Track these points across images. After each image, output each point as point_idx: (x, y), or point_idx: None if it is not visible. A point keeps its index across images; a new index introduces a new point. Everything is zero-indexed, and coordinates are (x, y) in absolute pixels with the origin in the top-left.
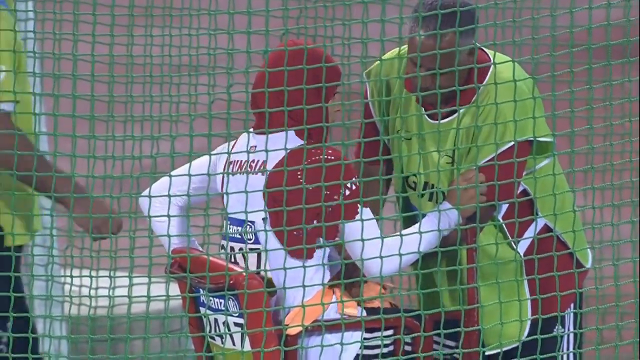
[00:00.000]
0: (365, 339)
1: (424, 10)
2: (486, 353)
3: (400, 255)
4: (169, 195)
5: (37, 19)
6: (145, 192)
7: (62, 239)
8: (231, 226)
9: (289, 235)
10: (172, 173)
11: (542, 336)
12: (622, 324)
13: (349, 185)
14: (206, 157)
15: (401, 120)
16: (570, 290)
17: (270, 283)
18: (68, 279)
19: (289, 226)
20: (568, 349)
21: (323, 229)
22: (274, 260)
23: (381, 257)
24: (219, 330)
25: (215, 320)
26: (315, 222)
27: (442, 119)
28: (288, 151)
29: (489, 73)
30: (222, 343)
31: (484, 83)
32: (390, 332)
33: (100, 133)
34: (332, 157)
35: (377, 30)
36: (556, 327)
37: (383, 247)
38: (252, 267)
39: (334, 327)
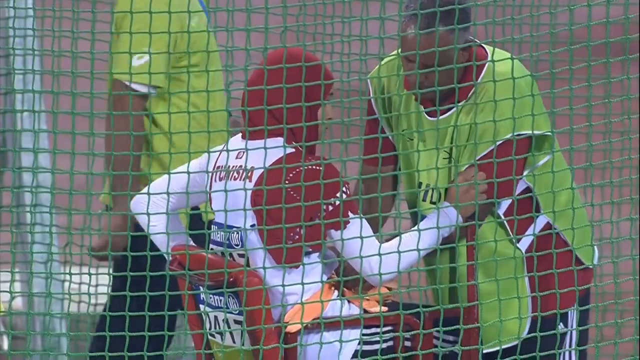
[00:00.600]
0: (364, 335)
1: (414, 5)
2: (485, 351)
3: (399, 253)
4: (168, 194)
5: (37, 16)
6: (143, 191)
7: (61, 236)
8: (219, 231)
9: (275, 242)
10: (155, 183)
11: (541, 334)
12: (621, 321)
13: (338, 195)
14: (195, 161)
15: (406, 120)
16: (569, 288)
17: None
18: (67, 276)
19: (277, 234)
20: (570, 347)
21: (322, 236)
22: (264, 262)
23: (379, 258)
24: (219, 328)
25: (215, 317)
26: (300, 230)
27: (440, 115)
28: (276, 159)
29: (485, 68)
30: (222, 340)
31: (480, 78)
32: (389, 329)
33: (99, 130)
34: (321, 167)
35: (376, 28)
36: (559, 325)
37: (380, 254)
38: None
39: (333, 324)
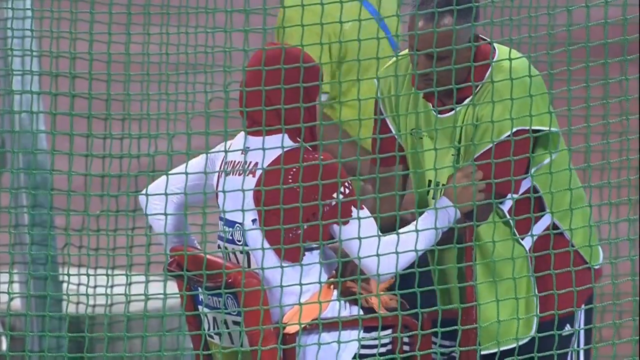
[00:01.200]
0: (363, 337)
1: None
2: (483, 352)
3: (397, 253)
4: (166, 194)
5: (35, 17)
6: (145, 191)
7: (60, 237)
8: (224, 226)
9: (278, 238)
10: (171, 171)
11: (548, 334)
12: (620, 322)
13: (342, 189)
14: (203, 156)
15: (415, 119)
16: (568, 289)
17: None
18: (66, 277)
19: (278, 230)
20: (578, 347)
21: (320, 230)
22: (262, 262)
23: (378, 255)
24: (217, 329)
25: (214, 318)
26: (305, 225)
27: (448, 112)
28: (277, 156)
29: (492, 65)
30: (220, 341)
31: (487, 75)
32: (388, 331)
33: (98, 131)
34: (324, 161)
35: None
36: (566, 326)
37: (380, 246)
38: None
39: (332, 325)
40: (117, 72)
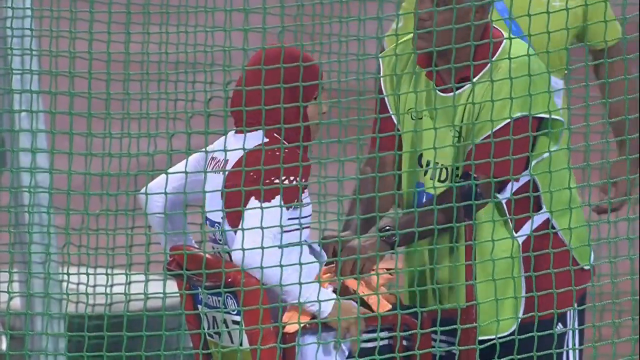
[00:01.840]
0: (362, 336)
1: None
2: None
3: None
4: (166, 193)
5: (35, 16)
6: (144, 190)
7: (60, 236)
8: (209, 227)
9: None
10: (169, 170)
11: (535, 334)
12: (619, 321)
13: (291, 178)
14: (198, 154)
15: (415, 98)
16: (564, 289)
17: None
18: (65, 277)
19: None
20: (568, 347)
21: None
22: (238, 259)
23: (243, 250)
24: (217, 328)
25: (214, 317)
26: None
27: (450, 91)
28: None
29: (501, 48)
30: (220, 340)
31: (496, 57)
32: (387, 334)
33: (97, 130)
34: (286, 153)
35: (374, 28)
36: (556, 325)
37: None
38: None
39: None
40: (116, 72)
